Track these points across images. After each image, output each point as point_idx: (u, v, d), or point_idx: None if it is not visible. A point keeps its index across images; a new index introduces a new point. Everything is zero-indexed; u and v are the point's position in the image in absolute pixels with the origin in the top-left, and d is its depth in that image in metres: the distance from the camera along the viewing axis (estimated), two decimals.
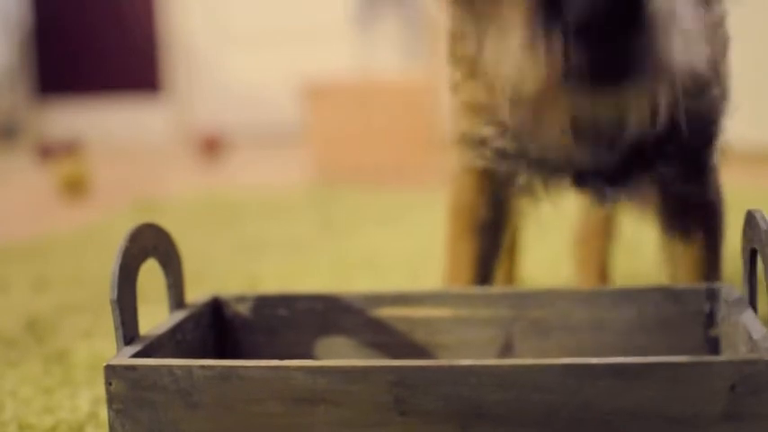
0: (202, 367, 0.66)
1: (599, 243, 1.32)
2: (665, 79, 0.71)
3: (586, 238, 1.32)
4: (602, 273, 1.32)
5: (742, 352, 0.72)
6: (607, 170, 0.86)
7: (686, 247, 0.93)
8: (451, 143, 0.95)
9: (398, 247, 1.70)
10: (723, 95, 0.89)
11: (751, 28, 2.43)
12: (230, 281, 1.46)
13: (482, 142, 0.90)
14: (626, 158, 0.85)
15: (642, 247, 1.53)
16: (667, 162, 0.88)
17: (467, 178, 0.96)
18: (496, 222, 0.97)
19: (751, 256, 0.74)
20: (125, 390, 0.67)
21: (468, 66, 0.88)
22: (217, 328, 0.86)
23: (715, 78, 0.87)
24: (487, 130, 0.89)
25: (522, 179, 0.91)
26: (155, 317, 1.08)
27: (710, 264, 0.93)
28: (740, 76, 1.02)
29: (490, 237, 0.97)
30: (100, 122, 4.54)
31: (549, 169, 0.89)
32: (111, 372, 0.68)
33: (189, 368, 0.67)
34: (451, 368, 0.64)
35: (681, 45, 0.69)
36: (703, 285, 0.83)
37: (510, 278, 1.29)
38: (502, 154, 0.89)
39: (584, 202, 1.23)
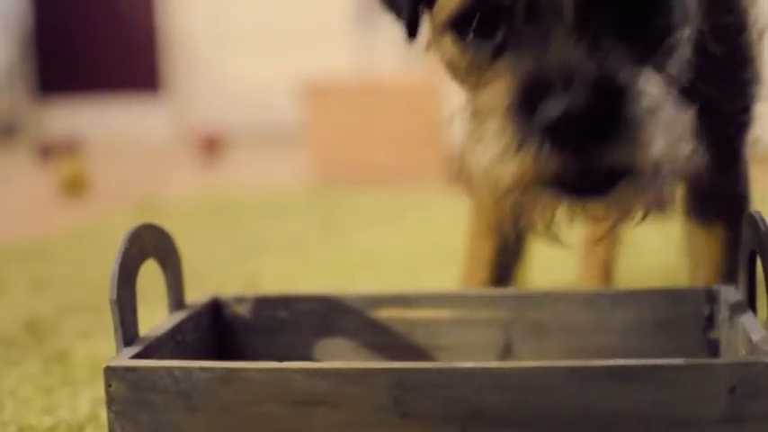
0: (202, 369, 0.66)
1: (605, 244, 1.31)
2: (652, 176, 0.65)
3: (592, 240, 1.32)
4: (607, 273, 1.31)
5: (741, 354, 0.72)
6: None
7: (709, 239, 0.92)
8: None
9: (398, 248, 1.70)
10: (754, 79, 0.86)
11: None
12: (230, 281, 1.46)
13: None
14: None
15: (645, 248, 1.53)
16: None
17: None
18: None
19: (750, 258, 0.74)
20: (125, 391, 0.67)
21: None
22: (216, 329, 0.86)
23: (747, 63, 0.85)
24: None
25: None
26: (154, 317, 1.07)
27: (733, 259, 0.92)
28: None
29: (512, 236, 0.95)
30: (100, 122, 4.54)
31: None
32: (111, 373, 0.68)
33: (189, 370, 0.67)
34: (452, 370, 0.64)
35: (664, 140, 0.64)
36: (703, 287, 0.82)
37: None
38: None
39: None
